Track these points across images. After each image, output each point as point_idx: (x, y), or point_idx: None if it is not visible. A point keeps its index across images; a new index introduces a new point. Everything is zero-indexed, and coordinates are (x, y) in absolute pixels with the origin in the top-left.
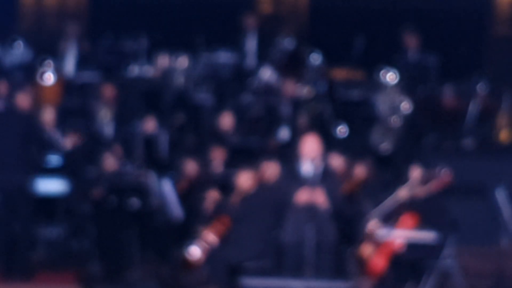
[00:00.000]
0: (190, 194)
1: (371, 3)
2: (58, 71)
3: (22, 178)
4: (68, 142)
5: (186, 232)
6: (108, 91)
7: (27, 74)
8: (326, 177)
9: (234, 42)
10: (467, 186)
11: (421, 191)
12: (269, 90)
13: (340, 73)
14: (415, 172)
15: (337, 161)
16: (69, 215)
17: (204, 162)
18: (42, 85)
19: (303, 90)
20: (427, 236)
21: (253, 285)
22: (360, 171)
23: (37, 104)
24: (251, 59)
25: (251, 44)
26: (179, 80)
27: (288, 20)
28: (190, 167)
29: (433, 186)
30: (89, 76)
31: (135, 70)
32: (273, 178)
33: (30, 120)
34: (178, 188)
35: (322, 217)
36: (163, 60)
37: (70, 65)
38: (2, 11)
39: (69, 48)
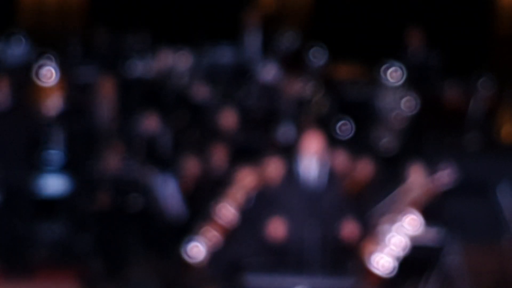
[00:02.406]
0: (193, 192)
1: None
2: (58, 67)
3: (24, 176)
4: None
5: (188, 230)
6: (107, 84)
7: (27, 71)
8: (325, 171)
9: (237, 39)
10: (470, 184)
11: (423, 189)
12: (271, 88)
13: (343, 71)
14: (414, 171)
15: (341, 158)
16: (71, 214)
17: (206, 159)
18: (42, 82)
19: (307, 88)
20: (429, 234)
21: (255, 282)
22: (363, 169)
23: (37, 101)
24: (253, 56)
25: (253, 41)
26: (181, 77)
27: (291, 16)
28: (192, 165)
29: (435, 184)
30: (90, 72)
31: (136, 66)
32: (275, 175)
33: (33, 118)
34: (184, 188)
35: (324, 215)
36: (164, 57)
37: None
38: (2, 8)
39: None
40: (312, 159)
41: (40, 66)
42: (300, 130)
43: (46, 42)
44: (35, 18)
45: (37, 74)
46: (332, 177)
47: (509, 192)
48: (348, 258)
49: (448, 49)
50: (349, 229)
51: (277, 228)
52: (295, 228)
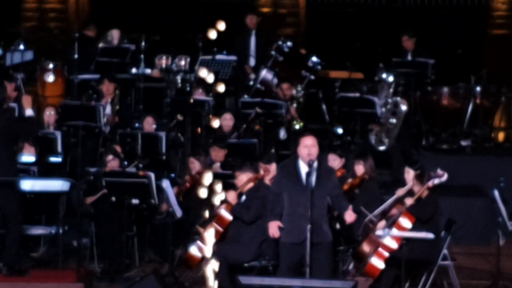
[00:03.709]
0: (190, 194)
1: (369, 4)
2: (59, 71)
3: (23, 176)
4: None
5: (186, 231)
6: (107, 88)
7: (28, 74)
8: (322, 173)
9: (233, 44)
10: (465, 186)
11: (418, 192)
12: (267, 91)
13: (338, 74)
14: (410, 174)
15: (335, 162)
16: (70, 214)
17: (203, 161)
18: (43, 85)
19: (296, 90)
20: (424, 236)
21: (252, 284)
22: (359, 171)
23: (38, 104)
24: (249, 61)
25: (249, 45)
26: (178, 81)
27: (286, 21)
28: (193, 167)
29: (429, 186)
30: (89, 77)
31: (135, 71)
32: (271, 180)
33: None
34: (182, 188)
35: (320, 217)
36: (162, 61)
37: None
38: (4, 11)
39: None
40: (307, 163)
41: (41, 70)
42: (292, 130)
43: (46, 47)
44: (36, 23)
45: (37, 78)
46: (324, 173)
47: (504, 194)
48: (345, 259)
49: (442, 52)
50: (350, 215)
51: (274, 229)
52: (292, 229)
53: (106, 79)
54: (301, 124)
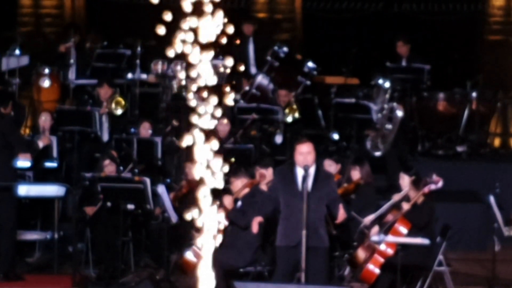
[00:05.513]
0: (187, 199)
1: (365, 10)
2: (54, 76)
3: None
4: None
5: (181, 236)
6: (106, 92)
7: (23, 79)
8: (320, 177)
9: (229, 49)
10: (461, 191)
11: (414, 198)
12: (263, 96)
13: (334, 80)
14: (405, 179)
15: (331, 168)
16: (65, 219)
17: None
18: (39, 90)
19: (292, 95)
20: (420, 242)
21: None
22: (355, 176)
23: (34, 109)
24: (246, 66)
25: (248, 53)
26: (174, 86)
27: (282, 26)
28: (189, 172)
29: (425, 192)
30: (85, 83)
31: (130, 76)
32: (268, 184)
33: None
34: (178, 194)
35: (317, 221)
36: (158, 66)
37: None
38: None
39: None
40: (303, 169)
41: (36, 75)
42: (288, 133)
43: (42, 52)
44: (32, 28)
45: (33, 83)
46: (321, 178)
47: (500, 200)
48: (341, 265)
49: (438, 58)
50: (341, 214)
51: (254, 224)
52: (288, 234)
53: (106, 83)
54: (296, 114)
